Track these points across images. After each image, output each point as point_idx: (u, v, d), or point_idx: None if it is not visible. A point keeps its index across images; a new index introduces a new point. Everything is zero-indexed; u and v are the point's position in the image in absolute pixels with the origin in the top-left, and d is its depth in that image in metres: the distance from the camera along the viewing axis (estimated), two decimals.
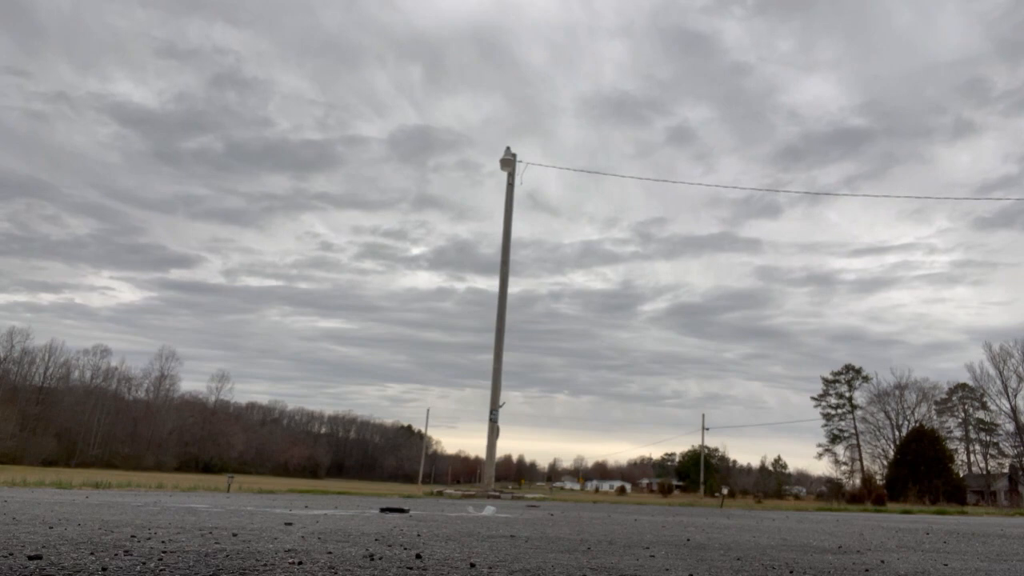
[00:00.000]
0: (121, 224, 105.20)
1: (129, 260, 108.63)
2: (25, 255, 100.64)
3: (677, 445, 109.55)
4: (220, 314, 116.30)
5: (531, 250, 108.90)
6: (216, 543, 1.53)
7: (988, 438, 57.26)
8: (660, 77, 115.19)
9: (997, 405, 55.61)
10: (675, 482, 75.14)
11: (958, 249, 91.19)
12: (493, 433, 14.58)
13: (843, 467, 62.57)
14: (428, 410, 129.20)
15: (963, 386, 58.30)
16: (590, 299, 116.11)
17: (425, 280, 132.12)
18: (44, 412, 65.98)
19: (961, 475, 53.59)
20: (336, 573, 1.21)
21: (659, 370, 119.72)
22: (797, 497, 56.58)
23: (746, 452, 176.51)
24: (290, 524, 2.22)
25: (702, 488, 54.07)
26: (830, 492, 54.17)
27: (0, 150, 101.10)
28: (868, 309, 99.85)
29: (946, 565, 1.81)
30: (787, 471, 77.11)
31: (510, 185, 16.59)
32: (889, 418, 60.56)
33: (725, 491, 28.04)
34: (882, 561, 1.86)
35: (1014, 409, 53.32)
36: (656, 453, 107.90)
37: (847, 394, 63.34)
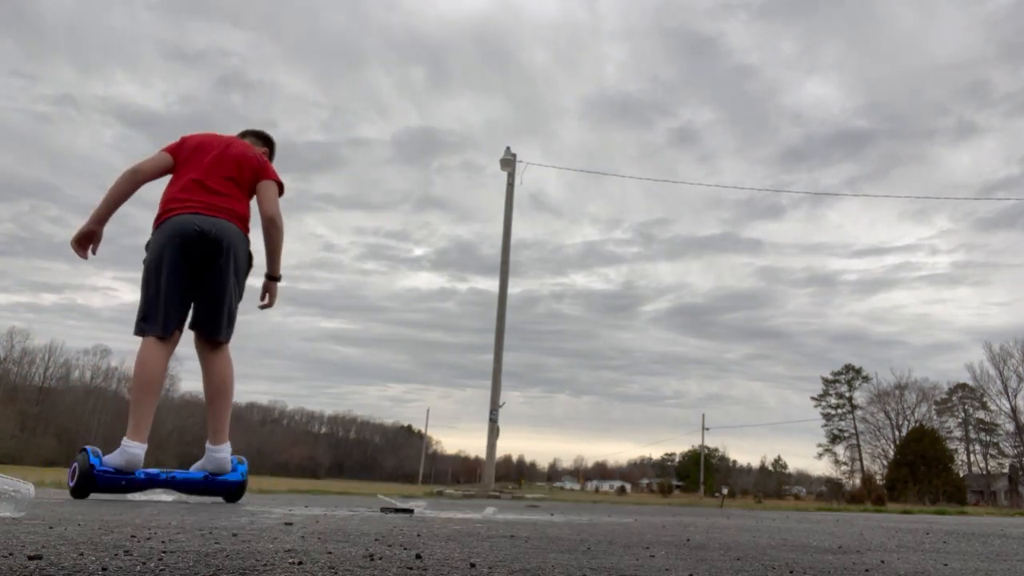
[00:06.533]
0: (125, 225, 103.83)
1: (132, 261, 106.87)
2: (28, 256, 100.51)
3: (677, 445, 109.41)
4: None
5: (533, 251, 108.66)
6: (216, 543, 1.54)
7: (988, 438, 57.37)
8: (663, 79, 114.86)
9: (997, 405, 55.73)
10: (675, 482, 75.17)
11: (960, 250, 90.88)
12: (493, 433, 14.58)
13: (843, 467, 62.71)
14: (428, 410, 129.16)
15: (963, 386, 58.43)
16: (592, 300, 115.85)
17: (427, 281, 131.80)
18: (44, 412, 66.06)
19: (961, 475, 53.70)
20: (336, 573, 1.21)
21: (660, 370, 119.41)
22: (797, 497, 56.60)
23: (746, 452, 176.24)
24: (290, 524, 2.23)
25: (702, 488, 54.12)
26: (830, 492, 54.26)
27: (5, 152, 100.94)
28: (869, 310, 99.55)
29: (946, 565, 1.81)
30: (787, 471, 77.22)
31: (510, 185, 16.60)
32: (889, 418, 60.69)
33: (725, 491, 28.01)
34: (882, 561, 1.86)
35: (1014, 409, 53.41)
36: (656, 453, 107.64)
37: (847, 394, 63.47)
